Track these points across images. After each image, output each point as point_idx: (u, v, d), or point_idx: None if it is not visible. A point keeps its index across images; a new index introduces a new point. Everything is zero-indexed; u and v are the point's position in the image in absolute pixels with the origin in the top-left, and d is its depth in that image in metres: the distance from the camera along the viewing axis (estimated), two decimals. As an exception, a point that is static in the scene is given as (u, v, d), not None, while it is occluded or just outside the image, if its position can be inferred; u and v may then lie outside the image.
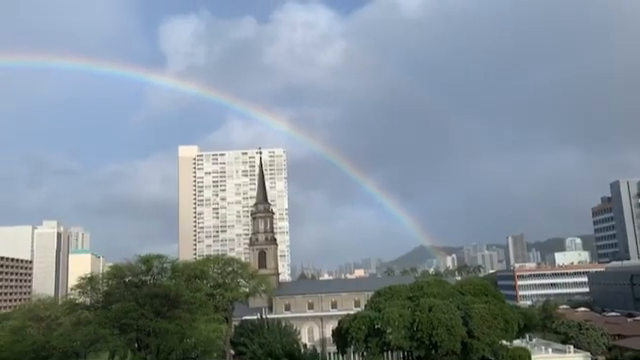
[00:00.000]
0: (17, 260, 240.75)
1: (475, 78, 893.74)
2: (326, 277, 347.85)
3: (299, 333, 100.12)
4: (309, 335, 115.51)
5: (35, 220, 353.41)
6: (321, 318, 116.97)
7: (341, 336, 74.48)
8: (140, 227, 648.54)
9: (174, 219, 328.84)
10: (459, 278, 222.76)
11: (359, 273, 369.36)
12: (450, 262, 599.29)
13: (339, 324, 77.28)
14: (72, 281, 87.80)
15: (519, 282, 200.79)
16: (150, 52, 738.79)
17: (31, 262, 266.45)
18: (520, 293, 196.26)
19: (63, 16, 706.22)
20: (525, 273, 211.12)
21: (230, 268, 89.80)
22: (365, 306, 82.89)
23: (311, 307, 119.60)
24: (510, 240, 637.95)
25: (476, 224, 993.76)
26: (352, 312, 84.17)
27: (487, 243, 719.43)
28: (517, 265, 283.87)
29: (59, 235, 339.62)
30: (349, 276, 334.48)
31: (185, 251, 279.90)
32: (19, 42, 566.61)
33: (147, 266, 66.71)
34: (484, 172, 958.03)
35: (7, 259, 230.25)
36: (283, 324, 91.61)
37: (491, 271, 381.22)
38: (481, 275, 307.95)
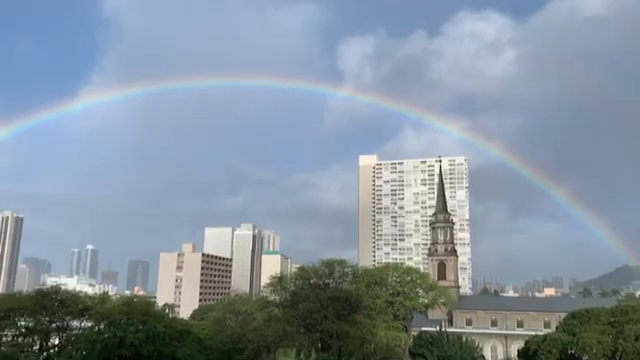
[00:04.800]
0: (220, 258, 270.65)
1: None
2: (511, 294, 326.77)
3: (481, 350, 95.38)
4: (492, 353, 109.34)
5: (234, 223, 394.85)
6: (505, 336, 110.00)
7: (528, 358, 69.19)
8: (322, 232, 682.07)
9: (354, 226, 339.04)
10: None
11: (549, 292, 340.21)
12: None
13: (526, 344, 72.05)
14: (264, 279, 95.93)
15: None
16: (330, 71, 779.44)
17: (231, 260, 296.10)
18: None
19: (260, 41, 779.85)
20: None
21: (409, 277, 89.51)
22: (556, 328, 76.00)
23: (494, 324, 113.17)
24: None
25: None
26: (541, 333, 77.72)
27: None
28: None
29: (254, 237, 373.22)
30: (537, 294, 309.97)
31: (364, 257, 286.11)
32: (222, 65, 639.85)
33: (330, 270, 69.68)
34: None
35: (212, 256, 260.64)
36: (464, 339, 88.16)
37: None
38: None
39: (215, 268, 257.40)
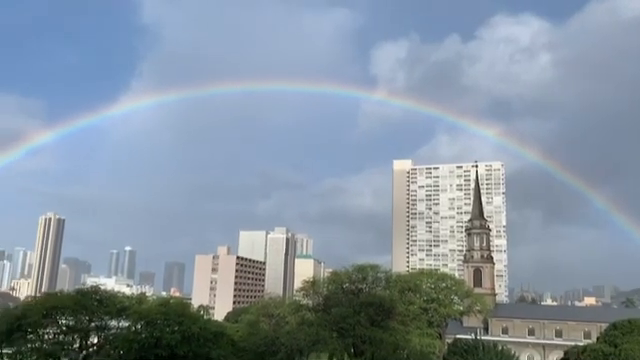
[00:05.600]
0: (253, 261, 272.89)
1: None
2: (549, 302, 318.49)
3: (518, 359, 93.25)
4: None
5: (267, 226, 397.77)
6: (543, 346, 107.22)
7: (567, 369, 67.25)
8: (355, 237, 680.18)
9: (387, 231, 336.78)
10: None
11: (589, 301, 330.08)
12: None
13: (565, 355, 70.01)
14: (297, 283, 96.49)
15: None
16: (363, 75, 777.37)
17: (264, 263, 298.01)
18: None
19: (293, 46, 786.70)
20: None
21: (444, 284, 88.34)
22: (597, 339, 73.57)
23: (531, 333, 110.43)
24: None
25: None
26: (581, 344, 75.47)
27: None
28: None
29: (287, 240, 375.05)
30: (577, 303, 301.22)
31: (398, 263, 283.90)
32: (256, 70, 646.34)
33: (363, 275, 69.41)
34: None
35: (246, 259, 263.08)
36: (500, 347, 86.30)
37: None
38: None
39: (249, 271, 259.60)
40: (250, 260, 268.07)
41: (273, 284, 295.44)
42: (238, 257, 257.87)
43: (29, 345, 46.41)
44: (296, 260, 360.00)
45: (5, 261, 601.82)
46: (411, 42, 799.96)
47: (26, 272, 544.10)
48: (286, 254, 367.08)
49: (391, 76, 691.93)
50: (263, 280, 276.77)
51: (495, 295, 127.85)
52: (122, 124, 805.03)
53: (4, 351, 47.30)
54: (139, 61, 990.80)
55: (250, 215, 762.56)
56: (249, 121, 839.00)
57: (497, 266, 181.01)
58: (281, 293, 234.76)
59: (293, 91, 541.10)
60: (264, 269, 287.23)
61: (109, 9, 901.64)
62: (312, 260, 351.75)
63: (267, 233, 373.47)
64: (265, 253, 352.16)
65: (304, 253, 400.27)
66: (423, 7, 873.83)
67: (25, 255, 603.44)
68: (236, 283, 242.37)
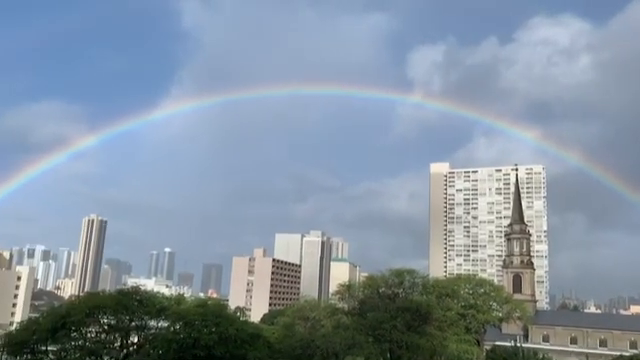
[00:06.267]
0: (289, 263, 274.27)
1: None
2: (592, 310, 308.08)
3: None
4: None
5: (303, 229, 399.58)
6: (586, 355, 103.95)
7: (613, 380, 64.87)
8: (390, 241, 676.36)
9: (423, 235, 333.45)
10: None
11: (636, 310, 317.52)
12: None
13: (610, 366, 67.49)
14: (332, 286, 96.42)
15: None
16: (399, 79, 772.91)
17: (300, 266, 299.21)
18: None
19: (330, 50, 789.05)
20: None
21: (482, 290, 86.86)
22: (645, 349, 70.74)
23: (574, 342, 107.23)
24: None
25: None
26: (626, 354, 72.81)
27: None
28: None
29: (323, 244, 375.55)
30: (622, 312, 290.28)
31: (435, 268, 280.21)
32: (293, 74, 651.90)
33: (399, 279, 68.78)
34: None
35: (282, 262, 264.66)
36: (540, 355, 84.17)
37: None
38: None
39: (285, 273, 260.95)
40: (286, 263, 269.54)
41: (308, 287, 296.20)
42: (274, 259, 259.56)
43: (72, 343, 47.64)
44: (331, 263, 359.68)
45: (51, 261, 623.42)
46: (448, 45, 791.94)
47: (70, 272, 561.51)
48: (321, 257, 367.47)
49: (427, 79, 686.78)
50: (298, 283, 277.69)
51: (535, 302, 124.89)
52: (161, 129, 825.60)
53: (49, 348, 48.74)
54: (179, 67, 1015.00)
55: (286, 218, 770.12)
56: (285, 125, 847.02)
57: (538, 272, 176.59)
58: (316, 296, 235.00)
59: (329, 94, 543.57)
60: (299, 272, 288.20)
61: (151, 17, 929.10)
62: (347, 264, 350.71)
63: (302, 236, 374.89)
64: (300, 256, 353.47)
65: (339, 256, 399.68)
66: (461, 11, 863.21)
67: (69, 255, 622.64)
68: (272, 285, 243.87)
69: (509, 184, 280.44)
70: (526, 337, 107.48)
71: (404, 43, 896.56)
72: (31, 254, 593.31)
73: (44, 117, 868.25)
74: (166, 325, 50.48)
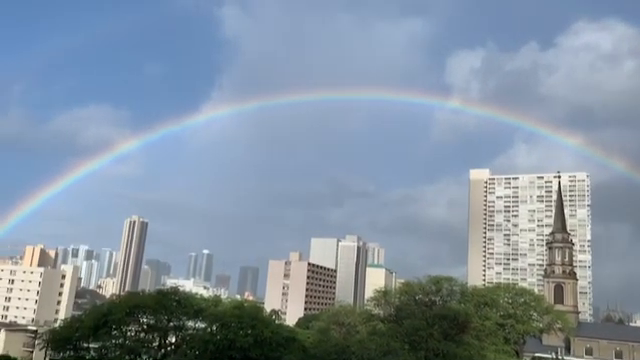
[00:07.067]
0: (325, 268, 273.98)
1: None
2: (639, 324, 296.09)
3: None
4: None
5: (338, 234, 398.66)
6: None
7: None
8: (427, 248, 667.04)
9: (461, 243, 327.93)
10: None
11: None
12: None
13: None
14: (368, 292, 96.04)
15: None
16: (437, 85, 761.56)
17: (335, 271, 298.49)
18: None
19: (366, 55, 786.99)
20: None
21: (522, 299, 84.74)
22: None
23: (619, 356, 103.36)
24: None
25: None
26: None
27: None
28: None
29: (359, 249, 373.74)
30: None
31: (474, 276, 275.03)
32: (329, 80, 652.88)
33: (437, 287, 67.79)
34: None
35: (317, 266, 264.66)
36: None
37: None
38: None
39: (320, 278, 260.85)
40: (321, 267, 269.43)
41: (343, 292, 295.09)
42: (309, 264, 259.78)
43: (113, 341, 48.96)
44: (367, 269, 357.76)
45: (93, 260, 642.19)
46: (488, 50, 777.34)
47: (111, 271, 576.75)
48: (357, 263, 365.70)
49: (466, 85, 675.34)
50: (334, 287, 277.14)
51: (578, 313, 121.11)
52: (202, 133, 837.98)
53: (91, 345, 50.14)
54: (219, 73, 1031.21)
55: (321, 222, 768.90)
56: (321, 129, 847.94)
57: (580, 282, 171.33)
58: (351, 301, 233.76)
59: (365, 99, 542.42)
60: (335, 276, 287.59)
61: (194, 25, 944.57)
62: (383, 270, 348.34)
63: (338, 241, 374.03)
64: (336, 261, 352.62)
65: (375, 262, 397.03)
66: (500, 15, 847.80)
67: (111, 255, 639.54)
68: (307, 289, 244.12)
69: (551, 191, 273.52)
70: (568, 349, 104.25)
71: (442, 48, 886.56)
72: (75, 254, 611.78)
73: (92, 121, 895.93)
74: (203, 326, 51.30)
